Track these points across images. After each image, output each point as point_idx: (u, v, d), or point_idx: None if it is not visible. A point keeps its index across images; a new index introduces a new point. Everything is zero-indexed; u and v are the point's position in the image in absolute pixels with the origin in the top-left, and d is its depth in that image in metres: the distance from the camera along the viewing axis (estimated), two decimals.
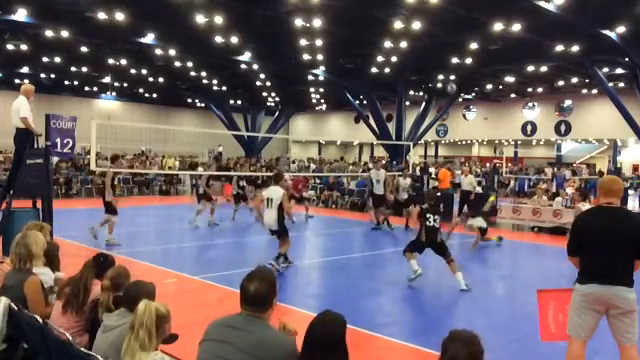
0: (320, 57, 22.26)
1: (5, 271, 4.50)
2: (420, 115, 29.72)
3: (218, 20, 16.95)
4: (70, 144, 8.86)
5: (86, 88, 34.93)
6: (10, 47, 21.31)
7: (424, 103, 30.02)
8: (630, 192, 18.89)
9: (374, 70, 24.31)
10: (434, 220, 8.36)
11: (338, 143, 48.38)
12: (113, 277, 3.67)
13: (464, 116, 38.37)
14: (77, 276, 3.95)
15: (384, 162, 20.29)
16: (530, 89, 30.42)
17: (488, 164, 33.22)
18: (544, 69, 23.63)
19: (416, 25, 16.67)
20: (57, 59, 24.49)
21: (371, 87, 27.60)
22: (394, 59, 21.95)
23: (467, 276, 9.92)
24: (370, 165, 15.59)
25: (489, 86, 29.16)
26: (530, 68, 23.31)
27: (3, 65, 26.50)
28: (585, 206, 9.72)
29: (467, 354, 2.42)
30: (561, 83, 28.14)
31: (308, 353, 2.67)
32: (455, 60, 21.83)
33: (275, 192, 8.74)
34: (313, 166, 29.15)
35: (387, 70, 24.24)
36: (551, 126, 33.94)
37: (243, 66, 24.90)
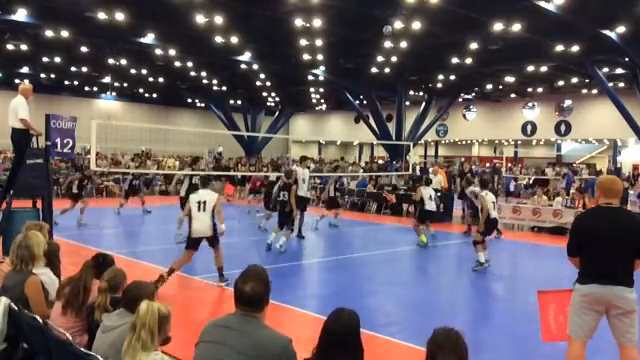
0: (320, 57, 22.24)
1: (5, 271, 4.50)
2: (420, 115, 29.72)
3: (218, 20, 16.93)
4: (70, 144, 8.85)
5: (86, 88, 34.91)
6: (10, 47, 21.30)
7: (424, 103, 30.02)
8: (630, 192, 18.89)
9: (374, 70, 24.29)
10: (283, 195, 11.04)
11: (338, 143, 48.38)
12: (110, 278, 3.68)
13: (464, 116, 38.35)
14: (76, 276, 3.95)
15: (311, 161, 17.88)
16: (530, 89, 30.40)
17: (488, 164, 33.22)
18: (544, 69, 23.61)
19: (416, 25, 16.65)
20: (57, 59, 24.47)
21: (371, 87, 27.58)
22: (394, 59, 21.93)
23: (467, 276, 9.94)
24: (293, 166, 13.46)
25: (489, 86, 29.14)
26: (530, 68, 23.29)
27: (3, 65, 26.54)
28: (483, 192, 10.10)
29: None
30: (561, 83, 28.11)
31: (326, 351, 2.68)
32: (455, 60, 21.82)
33: (209, 195, 7.88)
34: (313, 166, 29.13)
35: (387, 70, 24.23)
36: (551, 126, 33.92)
37: (243, 66, 24.88)
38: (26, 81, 18.35)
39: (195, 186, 14.11)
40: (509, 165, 30.01)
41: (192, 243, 7.90)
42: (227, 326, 2.76)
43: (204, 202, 7.75)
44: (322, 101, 38.65)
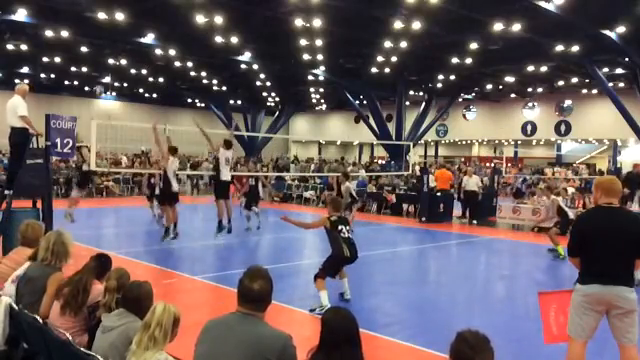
0: (320, 57, 22.24)
1: (3, 272, 4.52)
2: (420, 115, 29.71)
3: (218, 20, 16.92)
4: (70, 144, 8.84)
5: (86, 88, 34.91)
6: (10, 47, 21.29)
7: (424, 103, 30.01)
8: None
9: (374, 70, 24.30)
10: (347, 231, 7.13)
11: (338, 143, 48.38)
12: (118, 278, 3.68)
13: (464, 116, 38.35)
14: (76, 277, 3.94)
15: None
16: (530, 89, 30.40)
17: (488, 164, 33.25)
18: (544, 69, 23.61)
19: (416, 25, 16.65)
20: (57, 59, 24.46)
21: (371, 87, 27.58)
22: (394, 59, 21.94)
23: (467, 276, 9.94)
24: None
25: (489, 86, 29.14)
26: (530, 68, 23.29)
27: (3, 65, 26.53)
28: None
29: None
30: (561, 83, 28.11)
31: (327, 347, 2.69)
32: (455, 60, 21.83)
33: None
34: (313, 166, 29.32)
35: (387, 70, 24.23)
36: (551, 126, 33.93)
37: (243, 66, 24.88)
38: (26, 81, 18.42)
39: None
40: (509, 165, 30.01)
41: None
42: (227, 325, 2.77)
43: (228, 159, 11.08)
44: (322, 101, 38.66)
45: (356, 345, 2.76)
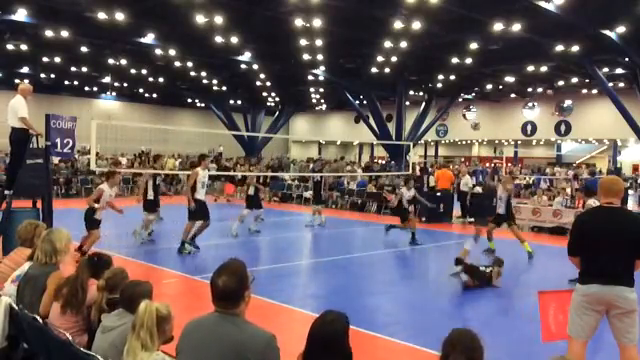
0: (320, 57, 22.24)
1: (4, 272, 4.53)
2: (420, 115, 29.72)
3: (218, 20, 16.93)
4: (70, 144, 8.85)
5: (86, 88, 34.92)
6: (10, 47, 21.30)
7: (424, 103, 30.02)
8: (630, 192, 18.89)
9: (374, 70, 24.30)
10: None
11: (338, 143, 48.39)
12: (108, 278, 3.68)
13: (464, 116, 38.35)
14: (73, 276, 3.95)
15: None
16: (530, 89, 30.40)
17: (488, 164, 33.28)
18: (544, 69, 23.61)
19: (416, 25, 16.65)
20: (57, 59, 24.47)
21: (371, 87, 27.59)
22: (394, 59, 21.94)
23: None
24: None
25: (489, 86, 29.14)
26: (530, 68, 23.29)
27: (3, 65, 26.55)
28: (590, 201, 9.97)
29: None
30: (561, 83, 28.11)
31: (310, 354, 2.65)
32: (455, 60, 21.82)
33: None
34: (312, 166, 29.36)
35: (387, 70, 24.23)
36: (551, 126, 33.93)
37: (243, 66, 24.88)
38: (26, 81, 18.41)
39: None
40: (508, 165, 30.02)
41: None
42: (206, 327, 2.70)
43: None
44: (322, 101, 38.66)
45: (337, 353, 2.64)
